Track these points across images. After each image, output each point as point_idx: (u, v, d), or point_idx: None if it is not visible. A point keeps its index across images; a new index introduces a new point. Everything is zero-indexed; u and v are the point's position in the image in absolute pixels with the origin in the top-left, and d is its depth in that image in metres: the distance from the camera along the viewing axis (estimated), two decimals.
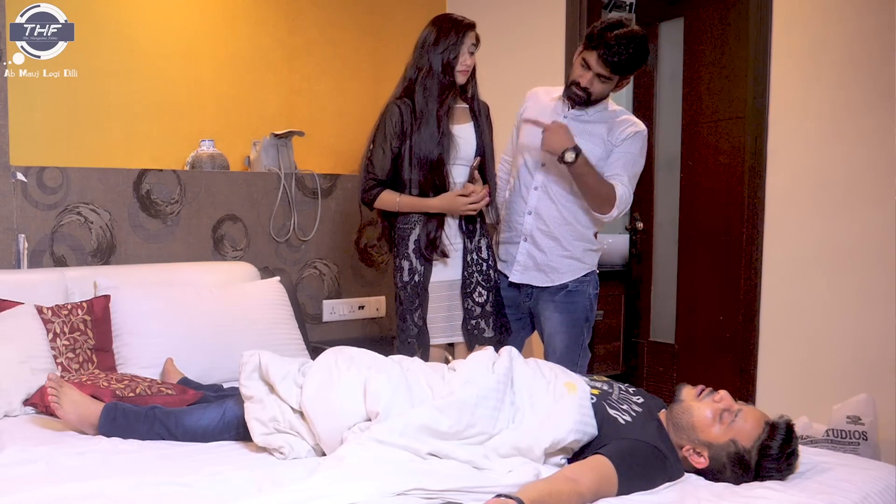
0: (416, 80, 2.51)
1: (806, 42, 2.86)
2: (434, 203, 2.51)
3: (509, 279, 2.69)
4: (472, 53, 2.51)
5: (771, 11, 2.91)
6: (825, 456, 1.93)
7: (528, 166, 2.66)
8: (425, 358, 2.45)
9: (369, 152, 2.57)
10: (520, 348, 2.77)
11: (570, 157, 2.42)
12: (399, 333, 2.60)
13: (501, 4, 3.70)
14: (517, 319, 2.73)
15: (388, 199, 2.54)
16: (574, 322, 2.62)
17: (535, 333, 2.81)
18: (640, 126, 2.61)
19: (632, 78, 2.60)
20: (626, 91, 4.44)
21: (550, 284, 2.63)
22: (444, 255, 2.54)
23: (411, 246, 2.55)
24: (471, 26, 2.51)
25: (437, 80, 2.48)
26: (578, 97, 2.54)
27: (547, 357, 2.65)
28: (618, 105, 2.70)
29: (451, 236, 2.56)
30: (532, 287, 2.67)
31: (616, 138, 2.56)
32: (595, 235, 2.69)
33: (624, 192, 2.51)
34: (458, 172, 2.56)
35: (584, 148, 2.50)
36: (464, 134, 2.56)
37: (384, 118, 2.54)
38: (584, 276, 2.63)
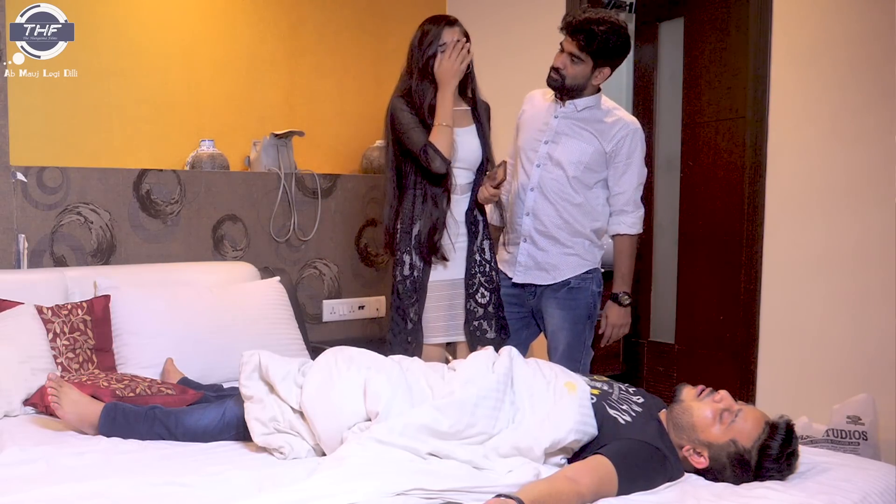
0: (410, 85, 2.51)
1: (806, 42, 2.86)
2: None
3: (513, 280, 2.69)
4: None
5: (771, 12, 2.91)
6: (825, 456, 1.93)
7: (525, 168, 2.67)
8: (418, 355, 2.44)
9: (402, 144, 2.49)
10: (524, 348, 2.77)
11: (626, 300, 2.71)
12: (392, 327, 2.58)
13: (501, 4, 3.70)
14: (521, 318, 2.73)
15: (441, 137, 2.44)
16: (577, 319, 2.62)
17: (540, 335, 2.81)
18: (635, 124, 2.63)
19: (610, 70, 2.58)
20: (627, 91, 4.44)
21: (553, 282, 2.64)
22: (444, 258, 2.54)
23: (413, 241, 2.55)
24: (450, 21, 2.50)
25: (430, 79, 2.48)
26: (554, 80, 2.59)
27: (550, 354, 2.66)
28: (617, 105, 2.70)
29: (454, 235, 2.55)
30: (535, 286, 2.67)
31: (611, 143, 2.58)
32: (598, 234, 2.68)
33: (634, 218, 2.67)
34: (459, 175, 2.55)
35: (573, 148, 2.58)
36: (464, 138, 2.55)
37: (394, 113, 2.51)
38: (587, 272, 2.64)
